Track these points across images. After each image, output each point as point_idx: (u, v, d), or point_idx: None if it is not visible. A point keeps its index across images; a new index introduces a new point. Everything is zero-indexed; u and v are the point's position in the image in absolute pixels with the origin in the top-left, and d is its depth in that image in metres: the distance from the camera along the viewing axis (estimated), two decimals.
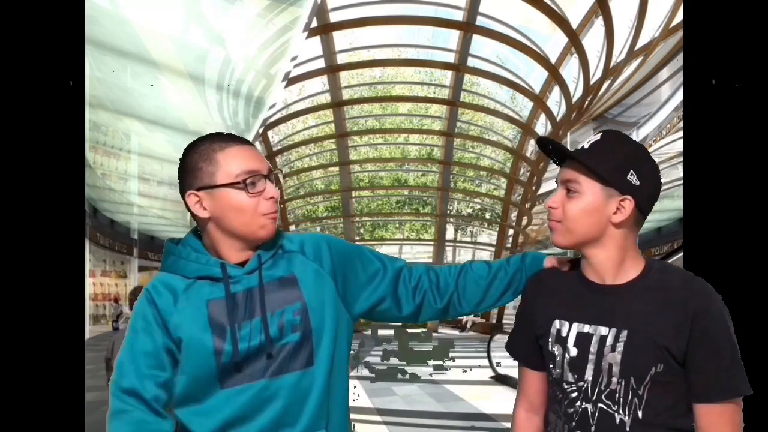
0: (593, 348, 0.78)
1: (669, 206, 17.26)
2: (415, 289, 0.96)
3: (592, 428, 0.78)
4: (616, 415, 0.76)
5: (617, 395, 0.76)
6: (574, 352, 0.80)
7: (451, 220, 21.75)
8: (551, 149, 0.86)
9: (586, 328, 0.79)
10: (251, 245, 0.87)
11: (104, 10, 5.72)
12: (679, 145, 18.46)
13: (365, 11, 12.00)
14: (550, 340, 0.83)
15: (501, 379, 7.53)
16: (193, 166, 0.85)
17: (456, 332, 17.72)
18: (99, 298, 19.00)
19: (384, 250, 32.19)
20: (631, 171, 0.77)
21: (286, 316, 0.84)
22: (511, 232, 19.59)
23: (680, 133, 18.28)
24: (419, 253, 32.22)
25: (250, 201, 0.82)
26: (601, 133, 0.81)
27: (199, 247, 0.88)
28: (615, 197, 0.77)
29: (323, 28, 11.82)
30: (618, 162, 0.77)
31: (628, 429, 0.76)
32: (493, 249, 19.82)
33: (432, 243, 17.95)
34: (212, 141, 0.86)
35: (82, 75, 0.97)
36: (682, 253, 4.30)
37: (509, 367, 8.13)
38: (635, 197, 0.77)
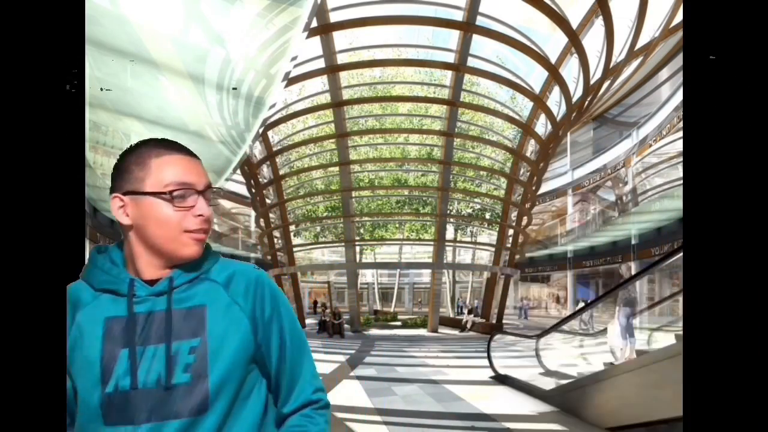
0: None
1: (669, 206, 17.28)
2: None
3: None
4: None
5: None
6: None
7: (451, 220, 21.75)
8: None
9: None
10: (171, 263, 0.78)
11: (104, 10, 5.72)
12: (679, 145, 18.46)
13: (365, 11, 12.00)
14: None
15: (501, 379, 7.53)
16: (125, 168, 0.78)
17: (456, 332, 17.72)
18: None
19: (384, 250, 31.98)
20: None
21: (181, 352, 0.73)
22: (511, 232, 19.60)
23: (680, 133, 18.28)
24: (419, 253, 32.29)
25: (175, 215, 0.75)
26: None
27: (117, 258, 0.80)
28: None
29: (323, 28, 11.82)
30: None
31: None
32: (493, 249, 19.84)
33: (432, 243, 17.94)
34: (151, 146, 0.79)
35: (82, 75, 0.97)
36: (682, 253, 4.30)
37: (509, 367, 8.12)
38: None
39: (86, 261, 0.81)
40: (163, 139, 0.81)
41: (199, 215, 0.77)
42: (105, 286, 0.77)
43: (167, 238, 0.76)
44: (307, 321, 21.88)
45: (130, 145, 0.80)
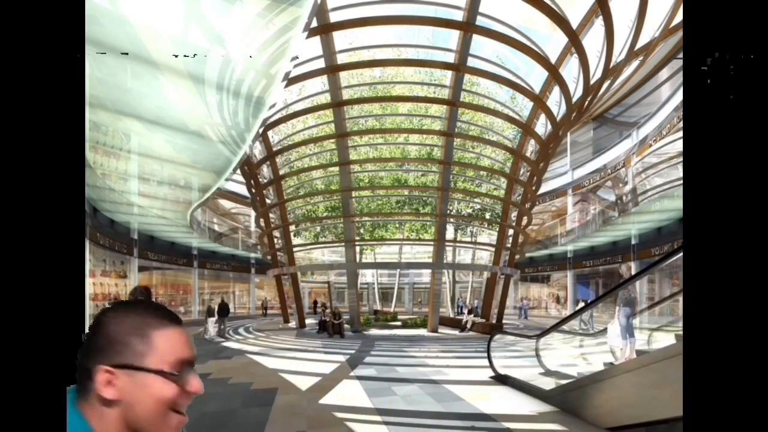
0: None
1: (669, 206, 17.28)
2: None
3: None
4: None
5: None
6: None
7: (451, 220, 21.75)
8: None
9: None
10: None
11: (104, 10, 5.72)
12: (679, 145, 18.47)
13: (365, 11, 12.00)
14: None
15: (501, 379, 7.53)
16: (118, 338, 0.70)
17: (456, 332, 17.72)
18: (99, 298, 19.00)
19: (384, 250, 31.96)
20: None
21: None
22: (511, 232, 19.61)
23: (680, 133, 18.27)
24: (419, 253, 32.28)
25: (174, 394, 0.70)
26: None
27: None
28: None
29: (323, 28, 11.82)
30: None
31: None
32: (493, 249, 19.84)
33: (432, 243, 17.93)
34: (146, 315, 0.73)
35: (82, 75, 0.96)
36: (682, 253, 4.30)
37: (509, 367, 8.12)
38: None
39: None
40: (152, 304, 0.74)
41: (194, 391, 0.72)
42: None
43: (158, 420, 0.70)
44: (307, 321, 21.87)
45: (114, 309, 0.73)
